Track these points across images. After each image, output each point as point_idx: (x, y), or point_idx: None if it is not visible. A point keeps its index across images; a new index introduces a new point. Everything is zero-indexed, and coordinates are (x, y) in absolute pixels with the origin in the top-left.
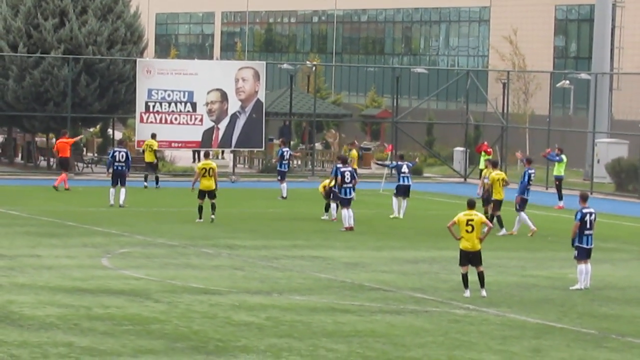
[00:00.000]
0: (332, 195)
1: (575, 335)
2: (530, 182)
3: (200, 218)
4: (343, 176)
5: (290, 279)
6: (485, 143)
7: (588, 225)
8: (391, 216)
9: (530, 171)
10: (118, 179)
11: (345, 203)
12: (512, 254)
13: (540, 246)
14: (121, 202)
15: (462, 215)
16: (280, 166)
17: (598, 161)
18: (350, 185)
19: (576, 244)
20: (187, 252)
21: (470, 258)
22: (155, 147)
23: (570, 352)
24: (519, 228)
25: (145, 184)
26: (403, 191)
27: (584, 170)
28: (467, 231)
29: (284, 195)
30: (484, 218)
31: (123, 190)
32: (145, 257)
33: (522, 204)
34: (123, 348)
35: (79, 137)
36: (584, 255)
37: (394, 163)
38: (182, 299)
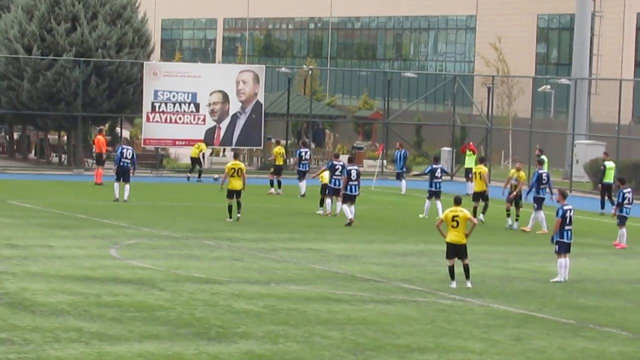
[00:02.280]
0: (327, 190)
1: (554, 325)
2: (542, 182)
3: (230, 217)
4: (349, 174)
5: (287, 270)
6: (471, 143)
7: (568, 221)
8: (420, 216)
9: (540, 171)
10: (122, 175)
11: (349, 199)
12: (495, 247)
13: (522, 240)
14: (125, 197)
15: (448, 212)
16: (300, 166)
17: (577, 161)
18: (356, 182)
19: (557, 238)
20: (189, 244)
21: (456, 251)
22: (203, 150)
23: (550, 341)
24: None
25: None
26: (437, 194)
27: (564, 169)
28: (452, 226)
29: (302, 193)
30: (468, 214)
31: (127, 186)
32: (150, 248)
33: (538, 203)
34: (130, 333)
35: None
36: (564, 249)
37: (429, 167)
38: (186, 288)
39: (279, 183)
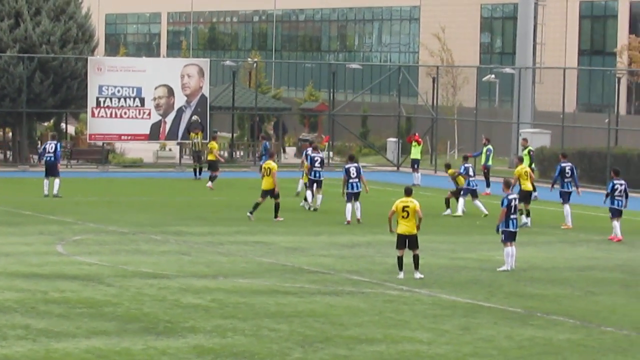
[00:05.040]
0: (307, 184)
1: (502, 314)
2: (566, 176)
3: (251, 213)
4: (348, 172)
5: (235, 264)
6: (417, 134)
7: (513, 210)
8: (454, 214)
9: (563, 164)
10: (49, 170)
11: (351, 197)
12: (442, 237)
13: (469, 230)
14: (55, 191)
15: (399, 202)
16: (311, 174)
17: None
18: (357, 179)
19: (502, 227)
20: (136, 239)
21: (407, 242)
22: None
23: (497, 330)
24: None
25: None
26: (474, 192)
27: (509, 158)
28: (403, 217)
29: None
30: (418, 206)
31: (57, 180)
32: (97, 244)
33: (563, 197)
34: (78, 330)
35: None
36: (510, 237)
37: (463, 167)
38: (133, 283)
39: (213, 178)
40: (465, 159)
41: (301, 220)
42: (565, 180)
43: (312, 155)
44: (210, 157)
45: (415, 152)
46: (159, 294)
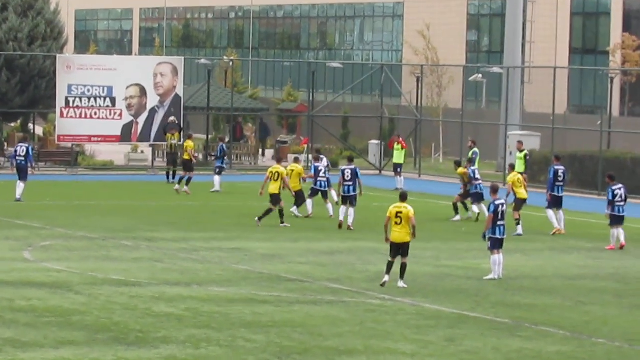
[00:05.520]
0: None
1: (489, 325)
2: (558, 179)
3: (259, 220)
4: (343, 174)
5: (209, 271)
6: (401, 138)
7: (500, 216)
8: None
9: (556, 167)
10: (19, 173)
11: (344, 201)
12: (426, 244)
13: (454, 237)
14: (17, 195)
15: (392, 208)
16: (316, 183)
17: (510, 153)
18: (351, 182)
19: (489, 234)
20: (107, 245)
21: (399, 249)
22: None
23: (484, 341)
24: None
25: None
26: (480, 196)
27: (497, 162)
28: (396, 223)
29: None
30: (411, 212)
31: (22, 184)
32: (66, 250)
33: (550, 202)
34: (45, 339)
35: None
36: (497, 245)
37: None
38: (103, 291)
39: (188, 180)
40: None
41: (278, 227)
42: (557, 184)
43: (316, 165)
44: (185, 157)
45: (398, 156)
46: (130, 303)
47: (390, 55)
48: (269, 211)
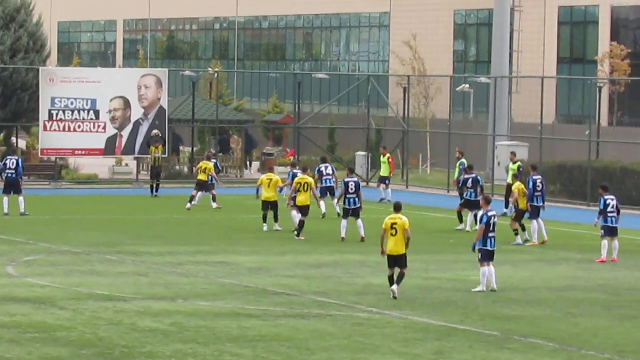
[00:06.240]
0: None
1: (478, 337)
2: (537, 189)
3: (298, 235)
4: (347, 186)
5: (195, 285)
6: (390, 155)
7: (492, 228)
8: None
9: (535, 177)
10: (11, 187)
11: (347, 214)
12: (414, 256)
13: (442, 249)
14: (22, 209)
15: (387, 219)
16: (322, 182)
17: (499, 164)
18: (354, 195)
19: (480, 246)
20: (91, 259)
21: (396, 261)
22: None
23: (473, 354)
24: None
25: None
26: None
27: (485, 172)
28: (392, 234)
29: (323, 213)
30: (407, 223)
31: (21, 199)
32: (50, 265)
33: (532, 212)
34: (29, 356)
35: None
36: (487, 257)
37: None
38: (88, 306)
39: (213, 197)
40: (471, 168)
41: (265, 240)
42: (536, 194)
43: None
44: (201, 177)
45: (385, 169)
46: (115, 318)
47: (376, 66)
48: (301, 223)
